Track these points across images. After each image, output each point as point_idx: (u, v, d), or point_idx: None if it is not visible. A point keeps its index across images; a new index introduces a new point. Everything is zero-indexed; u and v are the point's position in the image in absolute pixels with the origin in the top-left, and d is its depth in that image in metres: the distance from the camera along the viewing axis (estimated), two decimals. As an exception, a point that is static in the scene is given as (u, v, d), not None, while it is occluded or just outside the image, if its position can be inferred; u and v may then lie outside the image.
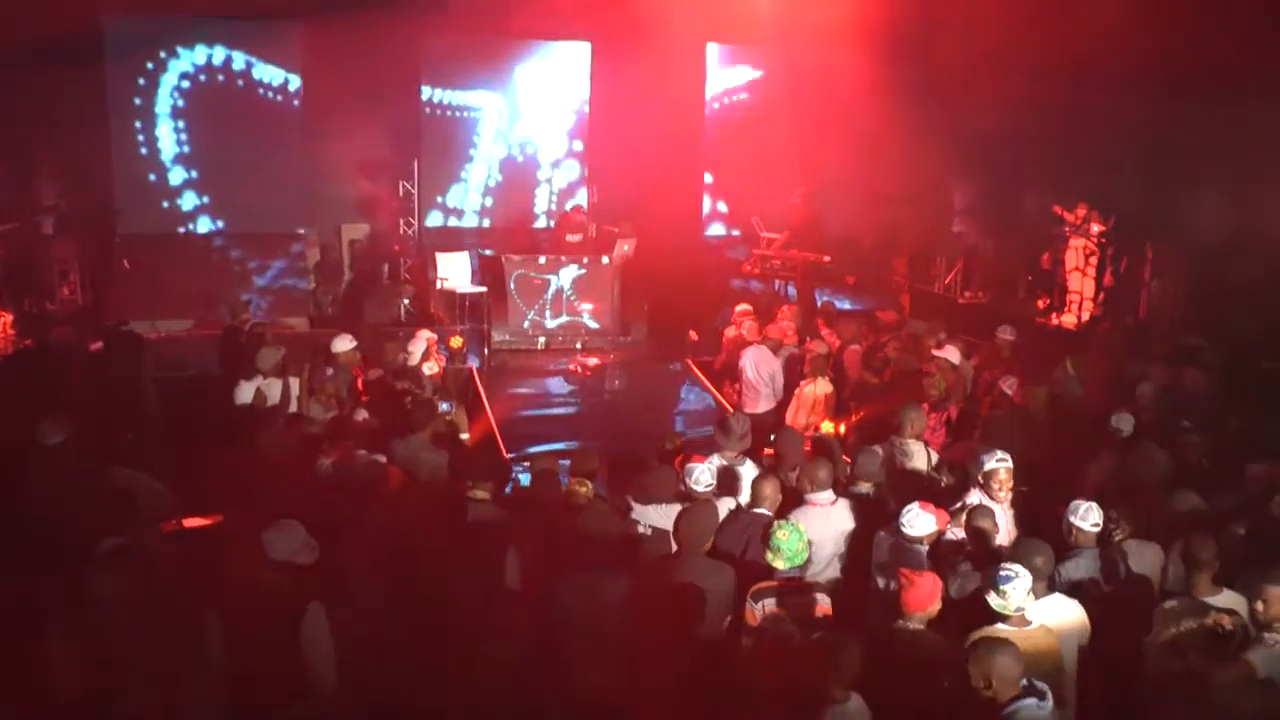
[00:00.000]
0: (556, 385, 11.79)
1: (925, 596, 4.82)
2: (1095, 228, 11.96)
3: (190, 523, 6.27)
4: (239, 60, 14.91)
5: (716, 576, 5.21)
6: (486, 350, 12.30)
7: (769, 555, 5.17)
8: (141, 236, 14.05)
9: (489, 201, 16.57)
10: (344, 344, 9.21)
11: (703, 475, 6.04)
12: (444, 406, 7.90)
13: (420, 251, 15.84)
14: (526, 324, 12.71)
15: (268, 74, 15.06)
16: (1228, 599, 5.25)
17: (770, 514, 5.84)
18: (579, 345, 12.71)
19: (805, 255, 13.58)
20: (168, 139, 14.61)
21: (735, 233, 16.17)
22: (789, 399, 10.19)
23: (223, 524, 5.98)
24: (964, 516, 5.99)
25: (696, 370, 11.80)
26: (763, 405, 10.35)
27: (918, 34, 12.92)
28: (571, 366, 12.14)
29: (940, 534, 5.82)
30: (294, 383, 8.16)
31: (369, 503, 5.86)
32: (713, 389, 11.17)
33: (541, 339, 12.64)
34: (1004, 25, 11.76)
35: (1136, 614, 5.37)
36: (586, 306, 12.95)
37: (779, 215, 14.57)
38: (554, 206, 16.54)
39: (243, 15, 14.61)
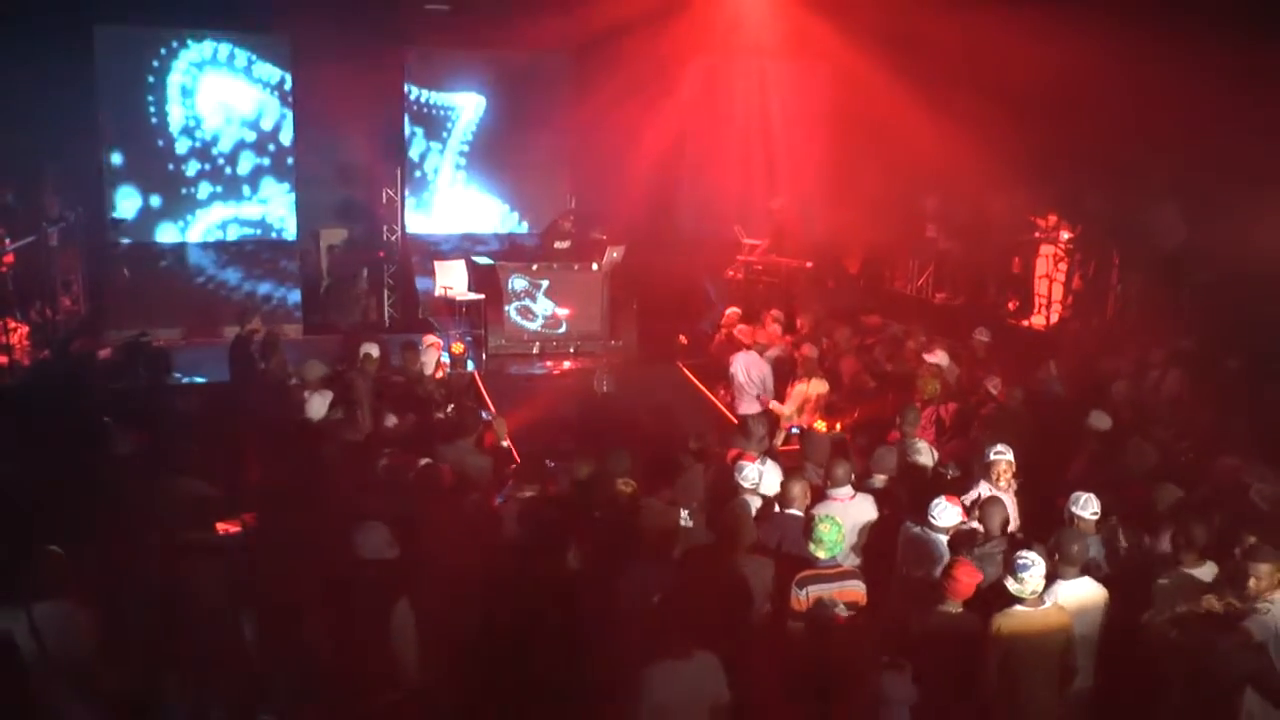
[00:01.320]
0: (554, 388, 12.18)
1: (968, 587, 5.37)
2: (1064, 234, 12.61)
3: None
4: (224, 69, 15.16)
5: (762, 570, 5.71)
6: (484, 355, 12.67)
7: (811, 546, 5.69)
8: (134, 245, 14.27)
9: (473, 208, 16.98)
10: (374, 349, 9.64)
11: (752, 473, 6.56)
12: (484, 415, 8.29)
13: (404, 257, 16.21)
14: (521, 329, 13.09)
15: (255, 81, 15.33)
16: (1209, 570, 5.93)
17: (800, 513, 6.35)
18: (572, 350, 13.13)
19: (787, 261, 14.14)
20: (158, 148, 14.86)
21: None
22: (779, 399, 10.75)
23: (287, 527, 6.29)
24: (977, 509, 6.58)
25: (688, 373, 12.28)
26: (755, 407, 10.83)
27: (894, 47, 13.38)
28: (555, 371, 12.65)
29: (961, 524, 6.41)
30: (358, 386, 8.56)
31: (430, 502, 6.28)
32: (706, 391, 11.64)
33: (535, 344, 13.02)
34: (976, 41, 12.38)
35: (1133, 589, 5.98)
36: (567, 312, 13.32)
37: (759, 222, 15.11)
38: (538, 213, 17.03)
39: (232, 28, 14.90)
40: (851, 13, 13.61)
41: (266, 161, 15.53)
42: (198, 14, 14.29)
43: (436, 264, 13.45)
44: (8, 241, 10.64)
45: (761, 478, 6.80)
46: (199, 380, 11.25)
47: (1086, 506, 6.27)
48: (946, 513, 6.28)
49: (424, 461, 6.69)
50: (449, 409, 8.53)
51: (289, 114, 15.42)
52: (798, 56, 15.02)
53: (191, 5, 13.98)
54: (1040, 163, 12.62)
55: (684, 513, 6.47)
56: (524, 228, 17.14)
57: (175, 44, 14.73)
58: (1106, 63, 11.13)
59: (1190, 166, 11.34)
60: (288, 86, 15.28)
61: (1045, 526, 6.73)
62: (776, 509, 6.63)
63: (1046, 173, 12.76)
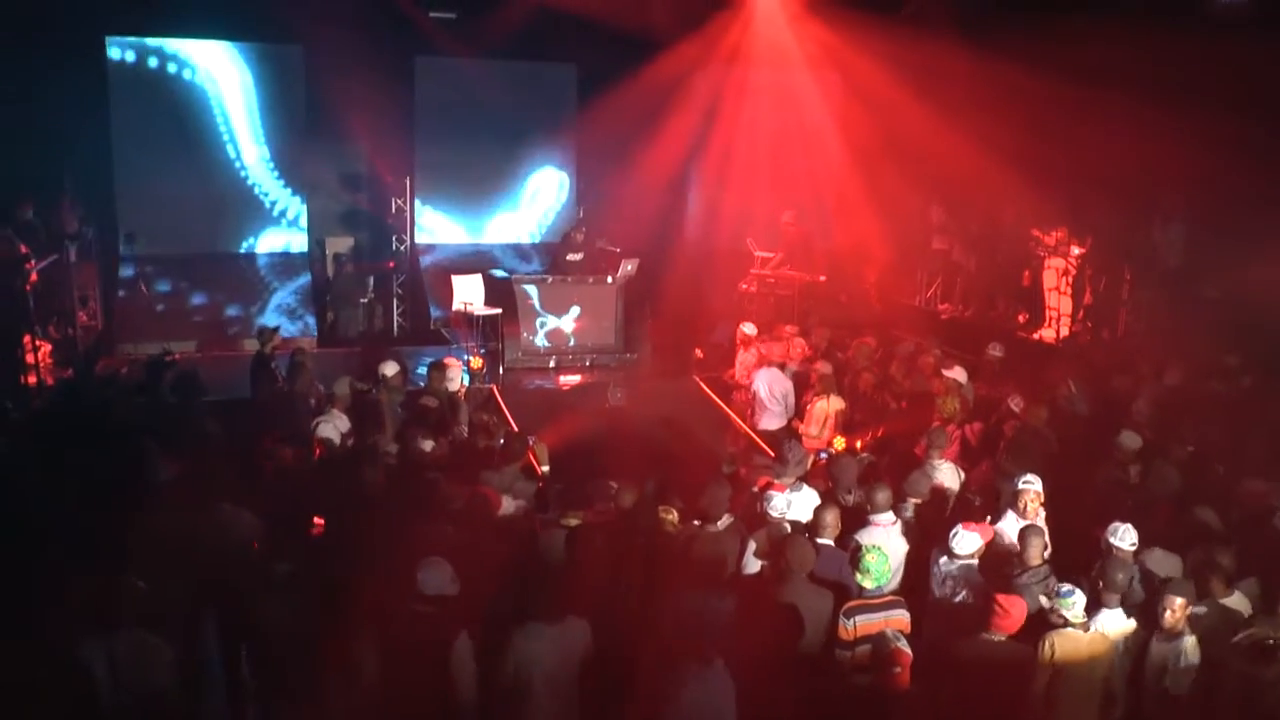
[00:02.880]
0: (570, 403, 12.27)
1: (1015, 620, 5.51)
2: (1074, 250, 12.76)
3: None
4: (236, 81, 15.21)
5: (819, 599, 5.83)
6: (501, 369, 12.76)
7: (859, 576, 5.82)
8: (147, 258, 14.32)
9: (484, 219, 17.06)
10: (392, 369, 9.69)
11: (780, 503, 6.67)
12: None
13: (413, 268, 16.29)
14: (536, 343, 13.18)
15: (266, 92, 15.38)
16: (1238, 600, 6.09)
17: (831, 542, 6.46)
18: (587, 363, 13.23)
19: (800, 275, 14.26)
20: (169, 160, 14.90)
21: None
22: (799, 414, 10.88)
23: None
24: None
25: (705, 388, 12.38)
26: (775, 423, 11.02)
27: (908, 66, 13.53)
28: (569, 385, 12.76)
29: (987, 546, 6.53)
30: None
31: (482, 532, 6.38)
32: (726, 408, 11.75)
33: (552, 358, 13.12)
34: (988, 59, 12.53)
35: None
36: (582, 326, 13.41)
37: (771, 235, 15.24)
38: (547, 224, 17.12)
39: (243, 38, 14.95)
40: (864, 29, 13.74)
41: (277, 173, 15.63)
42: (210, 25, 14.32)
43: (454, 279, 13.51)
44: (33, 261, 10.66)
45: (790, 506, 6.87)
46: (220, 398, 11.22)
47: (1125, 538, 6.36)
48: (966, 540, 6.38)
49: (473, 489, 6.76)
50: (489, 428, 8.61)
51: (300, 125, 15.51)
52: (808, 69, 15.12)
53: (204, 16, 14.00)
54: (1049, 177, 12.79)
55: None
56: (534, 239, 17.24)
57: (187, 55, 14.84)
58: (1116, 81, 11.36)
59: (1198, 184, 11.53)
60: (299, 97, 15.36)
61: (1073, 552, 6.90)
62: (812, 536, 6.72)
63: (1055, 187, 12.93)
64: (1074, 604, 5.59)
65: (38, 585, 5.88)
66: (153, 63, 14.80)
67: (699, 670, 5.10)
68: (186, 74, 14.96)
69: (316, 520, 6.96)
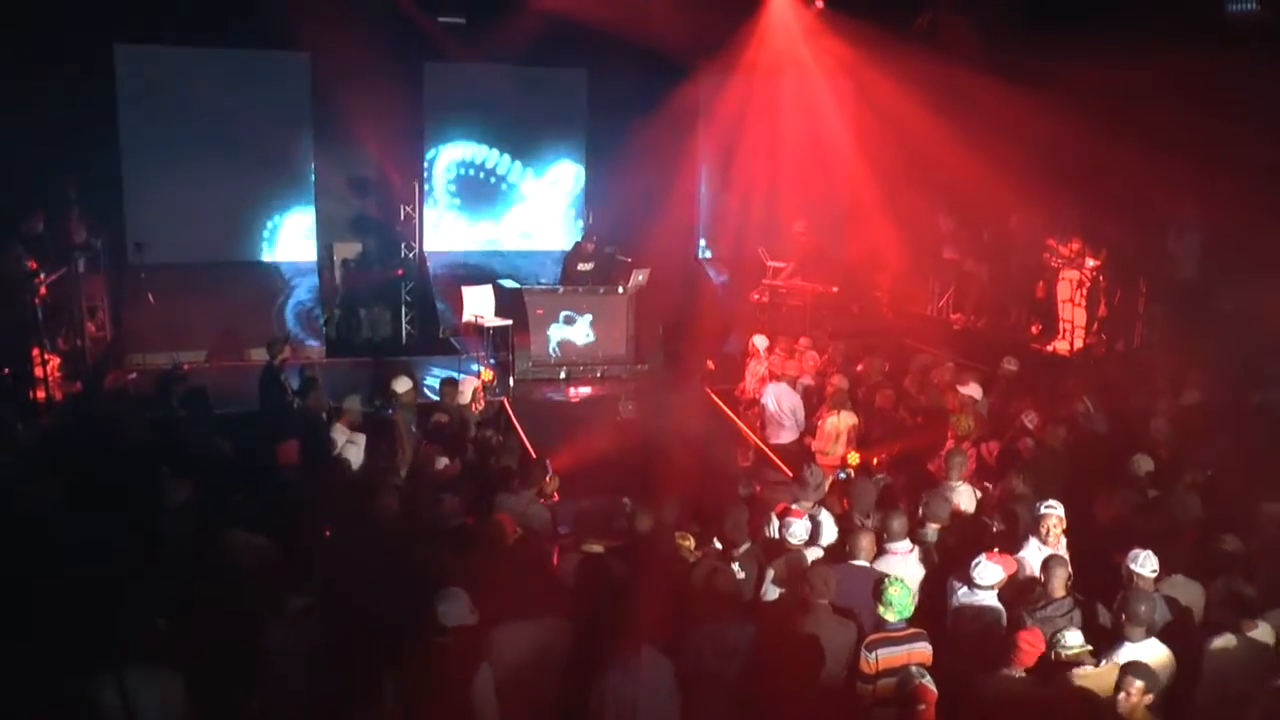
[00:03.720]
0: (582, 415, 12.22)
1: (1032, 654, 5.44)
2: (1090, 262, 12.67)
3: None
4: (244, 88, 15.14)
5: (841, 631, 5.76)
6: (511, 380, 12.70)
7: (881, 609, 5.75)
8: (156, 266, 14.26)
9: (492, 227, 17.00)
10: (404, 385, 9.63)
11: (800, 530, 6.60)
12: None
13: (422, 275, 16.22)
14: (548, 354, 13.12)
15: (273, 98, 15.32)
16: (1264, 632, 5.98)
17: (867, 564, 6.41)
18: (598, 374, 13.17)
19: (813, 286, 14.19)
20: (178, 168, 14.85)
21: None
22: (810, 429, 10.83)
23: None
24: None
25: (717, 399, 12.32)
26: (785, 437, 10.98)
27: (925, 83, 13.48)
28: (580, 396, 12.71)
29: (1010, 578, 6.45)
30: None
31: (497, 558, 6.33)
32: (738, 421, 11.67)
33: (563, 369, 13.05)
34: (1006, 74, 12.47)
35: (1184, 643, 6.04)
36: (593, 336, 13.36)
37: (784, 244, 15.17)
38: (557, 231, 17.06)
39: (251, 45, 14.89)
40: (878, 41, 13.69)
41: (287, 180, 15.57)
42: (219, 33, 14.26)
43: (464, 290, 13.42)
44: (42, 276, 10.60)
45: (809, 533, 6.82)
46: (229, 410, 11.17)
47: (1146, 564, 6.26)
48: (988, 571, 6.29)
49: (489, 515, 6.70)
50: (498, 447, 8.58)
51: (309, 132, 15.46)
52: (820, 78, 15.05)
53: (212, 24, 13.93)
54: (1064, 189, 12.73)
55: (735, 563, 6.55)
56: (544, 246, 17.18)
57: (195, 63, 14.79)
58: (1130, 95, 11.30)
59: (1213, 195, 11.47)
60: (307, 103, 15.31)
61: (1091, 577, 6.81)
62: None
63: (1070, 199, 12.87)
64: (1066, 635, 5.55)
65: (46, 612, 5.84)
66: (161, 71, 14.68)
67: (623, 660, 5.29)
68: (194, 82, 14.86)
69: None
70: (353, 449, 8.00)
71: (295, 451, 7.87)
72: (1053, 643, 5.60)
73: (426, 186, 16.61)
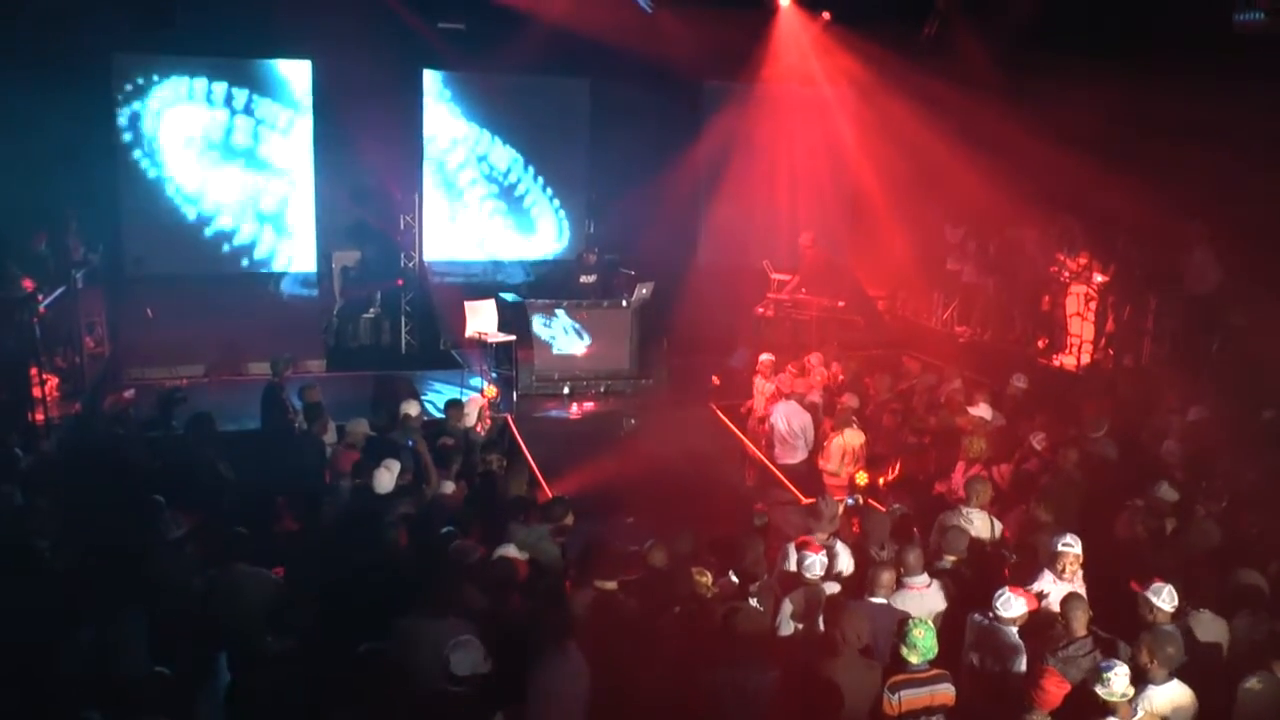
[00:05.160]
0: (585, 432, 12.11)
1: (1056, 697, 5.32)
2: (1098, 277, 12.58)
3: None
4: (243, 98, 15.01)
5: (868, 674, 5.66)
6: (515, 395, 12.59)
7: (904, 650, 5.63)
8: (154, 279, 14.13)
9: (489, 237, 16.88)
10: (415, 409, 9.51)
11: (815, 565, 6.49)
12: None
13: (422, 285, 16.08)
14: (550, 369, 13.01)
15: (272, 111, 15.20)
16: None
17: (886, 601, 6.30)
18: (602, 389, 13.07)
19: (819, 300, 14.08)
20: (176, 179, 14.74)
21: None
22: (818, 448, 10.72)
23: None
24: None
25: (723, 416, 12.21)
26: (795, 456, 10.87)
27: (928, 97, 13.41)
28: (581, 413, 12.60)
29: (1032, 613, 6.34)
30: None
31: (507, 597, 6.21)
32: (745, 439, 11.57)
33: (566, 384, 12.94)
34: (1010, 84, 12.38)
35: (1210, 682, 5.93)
36: (597, 350, 13.26)
37: (790, 257, 15.07)
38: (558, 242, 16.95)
39: (251, 55, 14.76)
40: (884, 53, 13.63)
41: (286, 189, 15.44)
42: (218, 42, 14.11)
43: (467, 304, 13.29)
44: (41, 296, 10.45)
45: (824, 568, 6.70)
46: (231, 428, 11.04)
47: (1167, 600, 6.17)
48: (1013, 605, 6.16)
49: (501, 551, 6.58)
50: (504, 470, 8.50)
51: (310, 142, 15.33)
52: (826, 89, 14.96)
53: (211, 33, 13.79)
54: (1073, 204, 12.64)
55: (752, 599, 6.44)
56: (546, 257, 17.05)
57: (194, 70, 14.67)
58: (1139, 112, 11.23)
59: (1224, 211, 11.40)
60: (308, 113, 15.18)
61: (1109, 605, 6.70)
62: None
63: (1080, 213, 12.78)
64: (1114, 678, 5.35)
65: (44, 649, 5.72)
66: (159, 80, 14.55)
67: (552, 655, 5.56)
68: (194, 91, 14.73)
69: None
70: (384, 475, 7.82)
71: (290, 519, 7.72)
72: (1100, 680, 5.40)
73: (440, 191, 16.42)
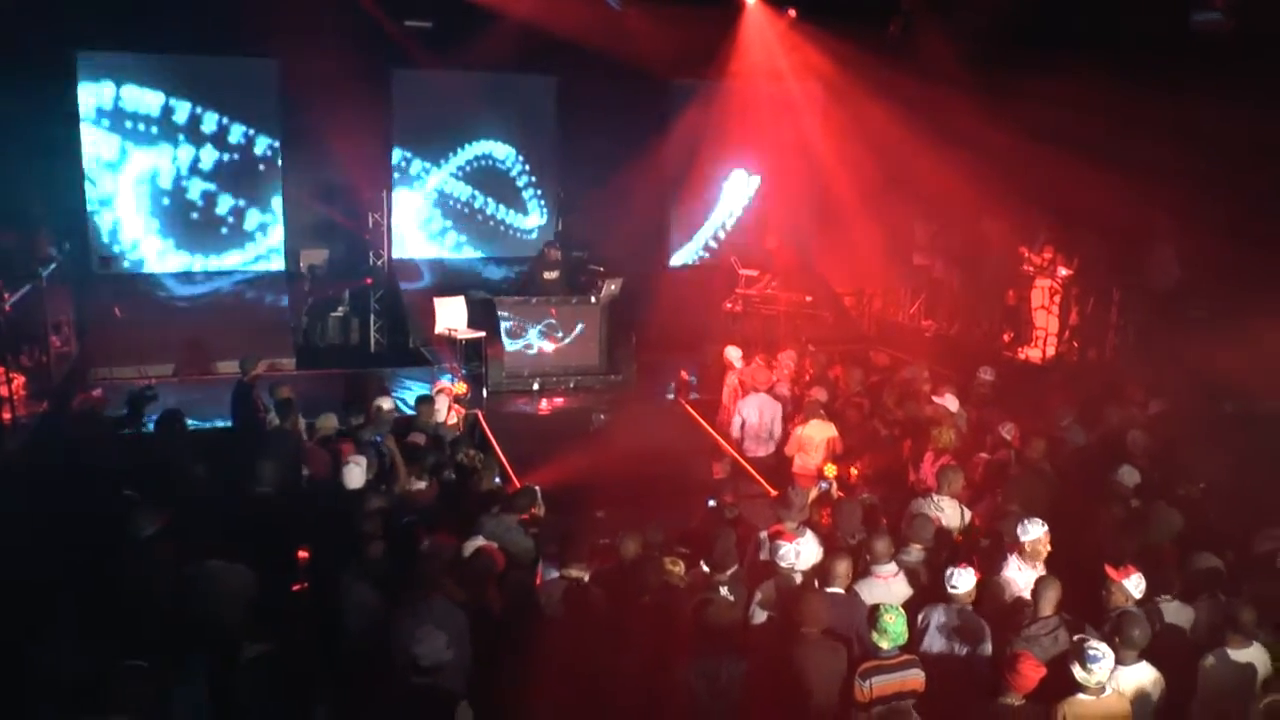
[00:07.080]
0: (555, 427, 12.14)
1: (1031, 680, 5.40)
2: (1062, 271, 12.74)
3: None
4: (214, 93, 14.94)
5: (833, 657, 5.73)
6: (485, 392, 12.59)
7: (875, 636, 5.71)
8: (121, 278, 14.03)
9: (458, 235, 16.86)
10: (389, 404, 9.50)
11: (789, 554, 6.55)
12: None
13: (391, 283, 16.04)
14: (520, 365, 13.03)
15: (241, 104, 15.12)
16: (1254, 653, 6.01)
17: (842, 591, 6.35)
18: (571, 385, 13.10)
19: (788, 295, 14.18)
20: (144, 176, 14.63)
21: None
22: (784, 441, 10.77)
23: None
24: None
25: (693, 412, 12.27)
26: (764, 449, 10.92)
27: (897, 92, 13.51)
28: (551, 408, 12.62)
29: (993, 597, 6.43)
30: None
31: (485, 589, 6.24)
32: (714, 433, 11.62)
33: (536, 380, 12.96)
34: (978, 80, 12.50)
35: (1175, 665, 6.05)
36: (566, 346, 13.29)
37: (757, 254, 15.15)
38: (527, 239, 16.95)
39: (217, 53, 14.66)
40: (851, 48, 13.71)
41: (254, 188, 15.37)
42: (184, 39, 14.02)
43: (436, 302, 13.29)
44: (7, 295, 10.35)
45: (798, 556, 6.76)
46: (201, 425, 11.00)
47: (1137, 586, 6.27)
48: (961, 579, 6.23)
49: (473, 544, 6.60)
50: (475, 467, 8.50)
51: (277, 140, 15.27)
52: (793, 85, 15.04)
53: (177, 30, 13.69)
54: (1038, 199, 12.78)
55: (723, 588, 6.49)
56: (514, 253, 17.04)
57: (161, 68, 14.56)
58: (1102, 107, 11.38)
59: (1187, 206, 11.56)
60: (275, 110, 15.11)
61: (1075, 593, 6.79)
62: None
63: (1044, 208, 12.93)
64: (1098, 668, 5.39)
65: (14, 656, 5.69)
66: (126, 78, 14.44)
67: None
68: (159, 88, 14.64)
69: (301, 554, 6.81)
70: (355, 470, 7.81)
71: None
72: (1083, 663, 5.41)
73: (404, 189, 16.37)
